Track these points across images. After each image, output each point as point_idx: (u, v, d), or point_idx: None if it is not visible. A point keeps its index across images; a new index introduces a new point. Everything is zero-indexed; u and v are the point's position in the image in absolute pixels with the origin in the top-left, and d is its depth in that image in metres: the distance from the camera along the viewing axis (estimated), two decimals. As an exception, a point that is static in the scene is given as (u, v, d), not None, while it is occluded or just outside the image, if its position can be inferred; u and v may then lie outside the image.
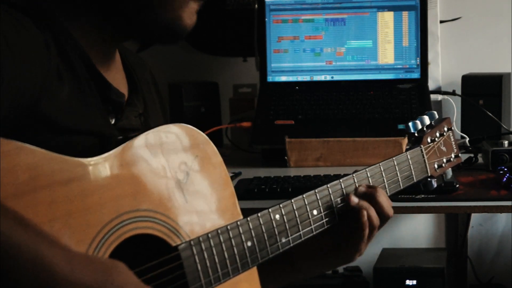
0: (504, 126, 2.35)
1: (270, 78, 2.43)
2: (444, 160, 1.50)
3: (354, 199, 1.29)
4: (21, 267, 0.83)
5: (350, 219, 1.28)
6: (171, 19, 1.13)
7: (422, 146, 1.45)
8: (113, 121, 1.14)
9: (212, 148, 1.15)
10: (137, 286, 0.93)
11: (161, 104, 1.33)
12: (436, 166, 1.47)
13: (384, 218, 1.31)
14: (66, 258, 0.87)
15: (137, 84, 1.24)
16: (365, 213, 1.27)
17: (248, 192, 1.87)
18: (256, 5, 2.45)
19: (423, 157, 1.44)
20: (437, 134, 1.50)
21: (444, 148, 1.50)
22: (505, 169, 1.93)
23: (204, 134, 1.15)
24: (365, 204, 1.29)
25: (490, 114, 2.33)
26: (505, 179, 1.87)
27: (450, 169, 1.52)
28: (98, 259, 0.93)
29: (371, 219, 1.28)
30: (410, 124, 1.46)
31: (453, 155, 1.53)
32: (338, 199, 1.28)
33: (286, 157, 2.18)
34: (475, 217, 2.62)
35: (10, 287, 0.83)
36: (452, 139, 1.54)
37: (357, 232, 1.29)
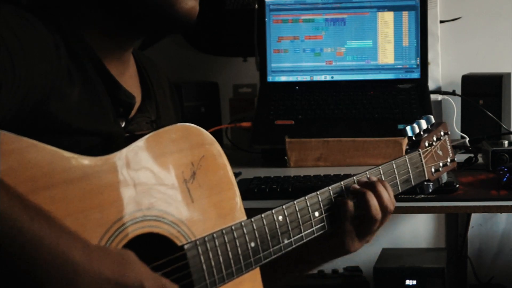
0: (504, 126, 2.35)
1: (270, 78, 2.43)
2: (441, 164, 1.51)
3: (355, 186, 1.30)
4: (42, 258, 0.84)
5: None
6: (161, 4, 1.12)
7: (420, 150, 1.46)
8: (123, 124, 1.15)
9: (217, 148, 1.15)
10: (149, 274, 0.95)
11: (176, 112, 1.34)
12: (433, 170, 1.49)
13: (384, 210, 1.30)
14: (85, 250, 0.88)
15: (151, 91, 1.25)
16: (367, 198, 1.28)
17: (248, 192, 1.86)
18: (256, 5, 2.45)
19: (421, 161, 1.46)
20: (434, 138, 1.51)
21: (440, 152, 1.52)
22: (505, 169, 1.92)
23: (210, 134, 1.15)
24: (365, 190, 1.29)
25: (490, 114, 2.33)
26: (505, 179, 1.87)
27: (445, 173, 1.53)
28: (113, 250, 0.94)
29: (370, 205, 1.28)
30: (408, 128, 1.47)
31: (449, 159, 1.55)
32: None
33: (286, 157, 2.18)
34: (475, 217, 2.62)
35: (31, 278, 0.84)
36: (448, 144, 1.56)
37: (363, 220, 1.29)
